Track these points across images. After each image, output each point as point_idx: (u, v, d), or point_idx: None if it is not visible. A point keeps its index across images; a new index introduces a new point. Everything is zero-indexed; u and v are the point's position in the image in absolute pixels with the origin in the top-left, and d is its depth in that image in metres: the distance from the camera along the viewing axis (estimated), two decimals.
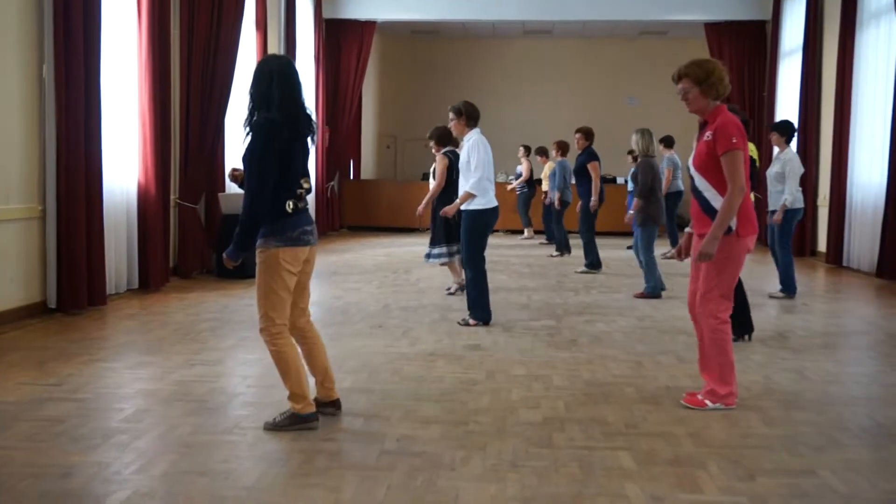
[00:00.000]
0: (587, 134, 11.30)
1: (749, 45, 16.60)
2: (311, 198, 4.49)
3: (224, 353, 6.20)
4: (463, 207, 7.26)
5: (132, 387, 5.23)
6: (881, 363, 6.27)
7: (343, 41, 17.46)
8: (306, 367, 4.55)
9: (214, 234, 10.61)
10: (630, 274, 11.15)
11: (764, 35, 16.61)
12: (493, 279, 9.61)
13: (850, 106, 12.23)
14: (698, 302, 4.84)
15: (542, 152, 16.06)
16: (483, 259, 7.34)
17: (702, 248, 4.67)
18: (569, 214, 13.42)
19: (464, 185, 7.24)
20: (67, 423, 4.44)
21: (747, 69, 16.55)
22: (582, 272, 11.12)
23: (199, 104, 10.22)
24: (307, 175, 4.42)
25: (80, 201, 7.68)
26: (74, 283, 7.64)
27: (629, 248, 14.82)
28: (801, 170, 8.86)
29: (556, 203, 13.31)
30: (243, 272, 9.83)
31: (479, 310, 7.31)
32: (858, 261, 11.77)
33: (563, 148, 13.39)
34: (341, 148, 17.78)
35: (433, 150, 9.26)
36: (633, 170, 14.56)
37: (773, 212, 8.85)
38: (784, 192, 8.67)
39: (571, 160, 12.39)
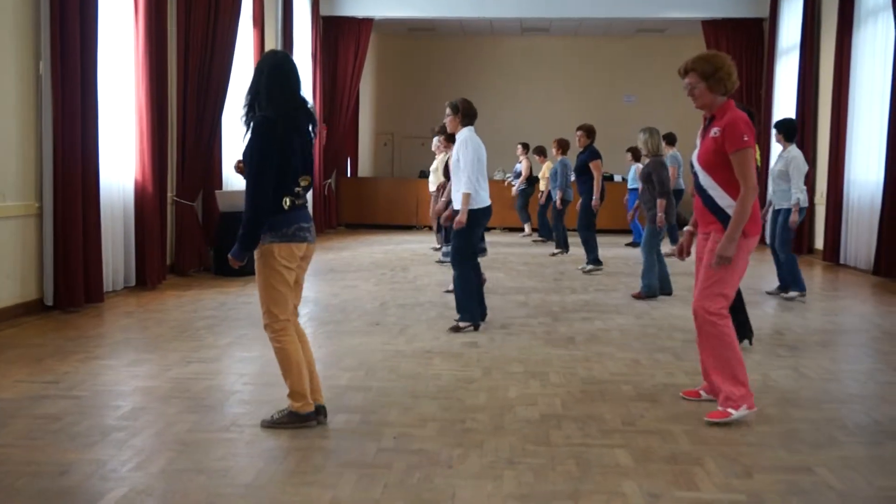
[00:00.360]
0: (589, 131, 11.17)
1: (746, 43, 16.61)
2: (308, 195, 4.47)
3: (221, 351, 6.20)
4: (455, 206, 7.10)
5: (129, 384, 5.23)
6: (878, 360, 6.28)
7: (340, 38, 17.45)
8: None
9: (212, 231, 10.61)
10: (628, 272, 11.17)
11: (761, 33, 16.62)
12: (491, 277, 9.63)
13: (847, 104, 12.24)
14: (697, 298, 4.67)
15: (541, 152, 16.01)
16: (471, 258, 7.11)
17: (720, 252, 4.48)
18: (569, 212, 13.40)
19: (455, 185, 7.09)
20: (64, 421, 4.43)
21: (744, 67, 16.54)
22: (588, 271, 10.96)
23: (195, 101, 10.21)
24: (308, 172, 4.38)
25: (76, 199, 7.67)
26: (71, 280, 7.63)
27: (627, 244, 14.84)
28: (806, 167, 8.72)
29: (558, 202, 13.27)
30: (241, 269, 9.79)
31: (468, 312, 7.03)
32: (855, 258, 11.79)
33: (563, 146, 13.33)
34: (338, 145, 17.78)
35: (441, 147, 9.20)
36: (633, 168, 14.65)
37: (778, 211, 8.71)
38: (790, 191, 8.50)
39: (572, 158, 12.32)
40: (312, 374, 4.50)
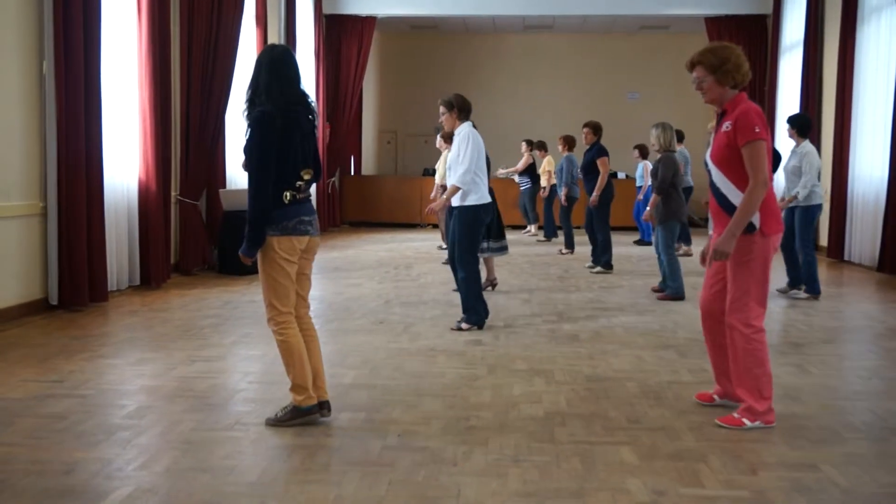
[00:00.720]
0: (595, 128, 11.08)
1: (750, 40, 16.55)
2: (312, 189, 4.47)
3: (226, 350, 6.21)
4: (455, 203, 6.96)
5: (134, 383, 5.24)
6: (882, 357, 6.27)
7: (343, 37, 17.44)
8: None
9: (215, 230, 10.61)
10: (633, 271, 11.16)
11: (765, 29, 16.58)
12: (496, 274, 9.61)
13: (851, 100, 12.21)
14: (728, 310, 4.43)
15: (542, 146, 15.96)
16: (476, 259, 7.06)
17: (717, 246, 4.32)
18: (575, 210, 13.37)
19: (451, 180, 6.95)
20: (69, 420, 4.45)
21: (748, 63, 16.50)
22: (597, 272, 10.81)
23: (199, 100, 10.22)
24: (309, 165, 4.37)
25: (81, 198, 7.69)
26: (76, 279, 7.65)
27: (636, 242, 14.77)
28: (819, 163, 8.58)
29: (563, 198, 13.20)
30: (244, 268, 9.84)
31: (473, 313, 6.97)
32: (860, 255, 11.77)
33: (569, 142, 13.23)
34: (342, 144, 17.78)
35: (445, 144, 9.13)
36: (640, 165, 14.61)
37: (793, 209, 8.57)
38: (799, 186, 8.39)
39: (578, 155, 12.26)
40: (318, 371, 4.50)
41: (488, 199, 7.00)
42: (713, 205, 4.54)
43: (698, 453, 4.02)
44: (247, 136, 4.24)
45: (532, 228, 16.52)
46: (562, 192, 13.25)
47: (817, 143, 13.58)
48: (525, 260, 12.22)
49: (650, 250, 12.09)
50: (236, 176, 11.60)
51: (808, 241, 8.61)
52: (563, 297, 8.82)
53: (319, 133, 16.50)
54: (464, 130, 6.95)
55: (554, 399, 4.94)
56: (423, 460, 3.89)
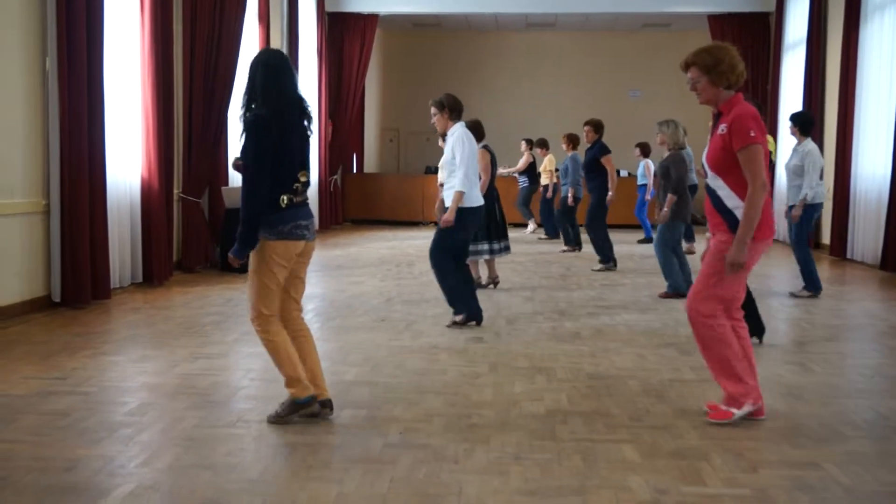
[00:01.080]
0: (597, 126, 11.01)
1: (752, 38, 16.55)
2: (313, 192, 4.50)
3: (227, 347, 6.22)
4: (448, 204, 6.86)
5: (136, 380, 5.25)
6: (885, 355, 6.26)
7: (345, 34, 17.43)
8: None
9: (218, 228, 10.62)
10: (636, 269, 11.15)
11: (768, 27, 16.57)
12: (498, 272, 9.61)
13: (854, 98, 12.19)
14: (690, 299, 4.45)
15: (542, 144, 15.87)
16: (450, 257, 6.92)
17: (730, 259, 4.25)
18: (579, 209, 13.33)
19: (449, 183, 6.85)
20: (72, 417, 4.45)
21: (751, 62, 16.46)
22: (599, 269, 10.80)
23: (201, 98, 10.22)
24: (305, 168, 4.38)
25: (83, 196, 7.70)
26: (78, 277, 7.66)
27: (640, 241, 14.71)
28: (822, 162, 8.50)
29: (570, 199, 13.13)
30: (246, 267, 9.83)
31: (460, 303, 6.92)
32: (862, 253, 11.75)
33: (573, 141, 13.03)
34: (344, 141, 17.78)
35: None
36: (642, 164, 14.58)
37: (793, 207, 8.45)
38: (803, 186, 8.30)
39: (582, 153, 12.19)
40: (316, 370, 4.51)
41: (478, 203, 6.88)
42: (708, 206, 4.51)
43: (700, 451, 4.02)
44: (242, 139, 4.25)
45: (530, 225, 16.45)
46: (569, 193, 13.13)
47: (820, 141, 13.57)
48: (528, 258, 12.22)
49: (652, 248, 12.06)
50: (237, 173, 11.56)
51: (803, 240, 8.53)
52: (564, 295, 8.82)
53: (322, 134, 16.53)
54: (457, 132, 6.87)
55: (556, 397, 4.94)
56: (424, 458, 3.89)
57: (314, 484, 3.59)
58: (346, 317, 7.44)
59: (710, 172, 4.47)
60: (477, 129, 8.61)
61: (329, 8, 17.10)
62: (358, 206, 18.68)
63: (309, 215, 4.41)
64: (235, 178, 11.51)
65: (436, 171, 13.03)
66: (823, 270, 11.11)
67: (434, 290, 8.91)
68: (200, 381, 5.22)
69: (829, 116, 13.47)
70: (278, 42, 14.21)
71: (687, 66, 4.48)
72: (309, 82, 15.94)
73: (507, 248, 9.01)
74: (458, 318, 6.95)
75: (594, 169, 10.95)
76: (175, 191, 9.92)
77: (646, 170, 14.33)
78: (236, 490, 3.53)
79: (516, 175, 16.36)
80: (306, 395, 4.38)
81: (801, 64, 14.35)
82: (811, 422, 4.51)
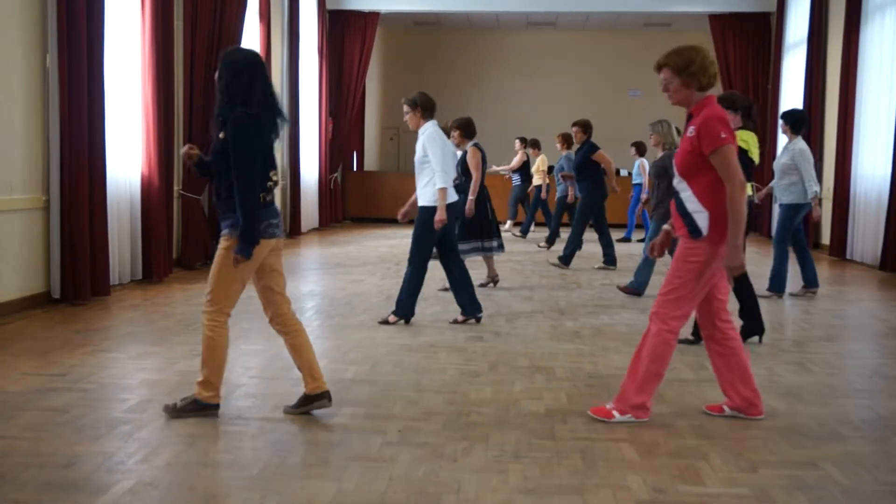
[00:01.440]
0: (585, 127, 11.02)
1: (753, 38, 16.56)
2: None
3: None
4: (421, 203, 6.94)
5: (136, 377, 5.25)
6: (884, 355, 6.27)
7: (346, 32, 17.42)
8: (293, 361, 4.57)
9: (217, 225, 10.60)
10: (635, 268, 11.13)
11: (769, 27, 16.57)
12: (497, 272, 9.61)
13: (855, 99, 12.19)
14: (656, 303, 4.41)
15: (535, 144, 15.83)
16: (427, 258, 6.98)
17: (727, 264, 4.22)
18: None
19: (421, 182, 6.89)
20: (71, 413, 4.45)
21: (751, 61, 16.51)
22: (554, 264, 10.83)
23: (202, 95, 10.20)
24: (276, 168, 4.47)
25: (83, 192, 7.69)
26: (78, 273, 7.65)
27: (640, 241, 14.68)
28: (812, 159, 8.39)
29: (570, 197, 13.09)
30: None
31: (401, 306, 7.00)
32: (862, 253, 11.76)
33: (567, 141, 13.00)
34: (344, 139, 17.77)
35: (455, 142, 9.09)
36: (637, 163, 14.59)
37: (781, 206, 8.40)
38: (795, 185, 8.19)
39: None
40: (313, 363, 4.52)
41: (454, 198, 6.96)
42: (672, 207, 4.49)
43: (699, 451, 4.02)
44: (220, 137, 4.28)
45: (507, 224, 16.35)
46: (569, 191, 13.08)
47: (820, 142, 13.60)
48: (527, 257, 12.22)
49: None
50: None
51: (785, 239, 8.41)
52: (564, 294, 8.82)
53: (322, 132, 16.53)
54: (428, 130, 6.90)
55: (555, 396, 4.94)
56: (423, 456, 3.90)
57: (313, 481, 3.59)
58: (346, 315, 7.44)
59: (676, 174, 4.45)
60: (468, 127, 8.73)
61: (330, 5, 17.09)
62: (358, 204, 18.68)
63: (278, 213, 4.48)
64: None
65: None
66: (823, 271, 11.11)
67: (433, 288, 8.92)
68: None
69: (829, 116, 13.47)
70: (279, 40, 14.20)
71: (659, 68, 4.48)
72: (309, 80, 15.93)
73: (500, 247, 8.98)
74: (392, 318, 6.99)
75: (585, 168, 10.94)
76: (175, 187, 9.92)
77: (640, 169, 14.34)
78: (235, 487, 3.53)
79: (510, 174, 16.31)
80: (213, 403, 4.43)
81: (802, 64, 14.36)
82: (810, 422, 4.51)
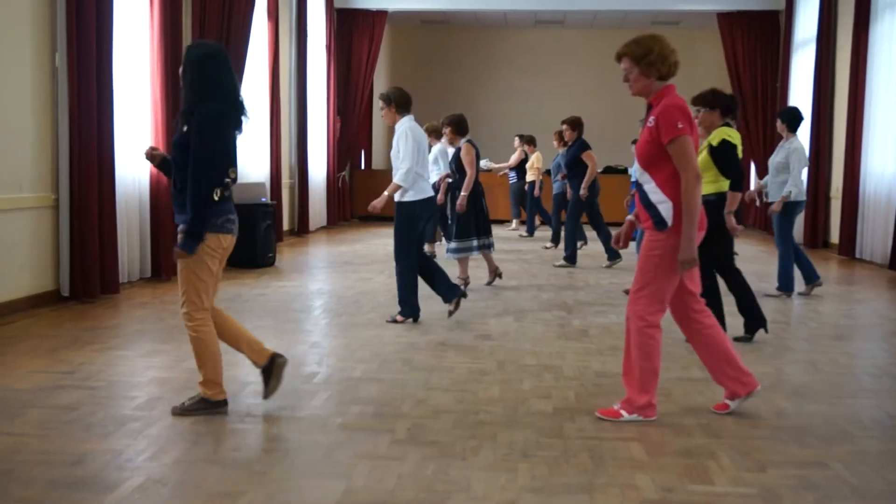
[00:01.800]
0: (574, 124, 11.00)
1: (762, 36, 16.50)
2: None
3: None
4: (396, 199, 7.01)
5: (144, 375, 5.26)
6: (893, 355, 6.24)
7: (354, 31, 17.43)
8: (231, 344, 4.59)
9: None
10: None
11: (777, 25, 16.52)
12: (505, 270, 9.61)
13: (864, 97, 12.14)
14: (630, 300, 4.43)
15: (530, 141, 15.78)
16: (414, 253, 7.05)
17: (681, 257, 4.22)
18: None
19: (395, 177, 6.98)
20: (80, 411, 4.47)
21: (760, 60, 16.45)
22: (560, 265, 10.80)
23: None
24: (235, 165, 4.46)
25: (92, 190, 7.72)
26: (87, 271, 7.68)
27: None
28: (807, 161, 8.37)
29: (569, 194, 13.02)
30: (253, 262, 9.90)
31: (407, 306, 6.99)
32: (871, 252, 11.71)
33: (563, 138, 13.06)
34: (352, 138, 17.77)
35: (447, 139, 9.10)
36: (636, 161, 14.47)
37: (771, 203, 8.36)
38: (787, 183, 8.16)
39: None
40: (249, 339, 4.58)
41: (428, 195, 7.02)
42: (636, 200, 4.48)
43: (707, 450, 4.01)
44: (184, 131, 4.27)
45: (514, 223, 16.36)
46: (567, 189, 13.03)
47: (829, 140, 13.57)
48: (534, 255, 12.21)
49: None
50: (246, 169, 11.62)
51: (787, 238, 8.34)
52: (572, 293, 8.81)
53: (330, 130, 16.53)
54: (403, 125, 6.94)
55: (563, 394, 4.94)
56: (432, 454, 3.90)
57: (322, 480, 3.59)
58: (354, 313, 7.45)
59: (638, 166, 4.45)
60: (459, 124, 8.82)
61: (338, 4, 17.09)
62: (366, 202, 18.30)
63: (234, 210, 4.48)
64: (244, 174, 11.53)
65: None
66: (832, 270, 11.08)
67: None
68: None
69: (838, 115, 13.43)
70: (287, 38, 14.22)
71: (619, 58, 4.44)
72: (317, 79, 15.95)
73: (490, 245, 8.97)
74: (400, 318, 7.00)
75: (576, 165, 10.93)
76: None
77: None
78: (243, 485, 3.53)
79: (506, 171, 16.24)
80: (219, 399, 4.45)
81: (811, 62, 14.31)
82: (818, 421, 4.50)
